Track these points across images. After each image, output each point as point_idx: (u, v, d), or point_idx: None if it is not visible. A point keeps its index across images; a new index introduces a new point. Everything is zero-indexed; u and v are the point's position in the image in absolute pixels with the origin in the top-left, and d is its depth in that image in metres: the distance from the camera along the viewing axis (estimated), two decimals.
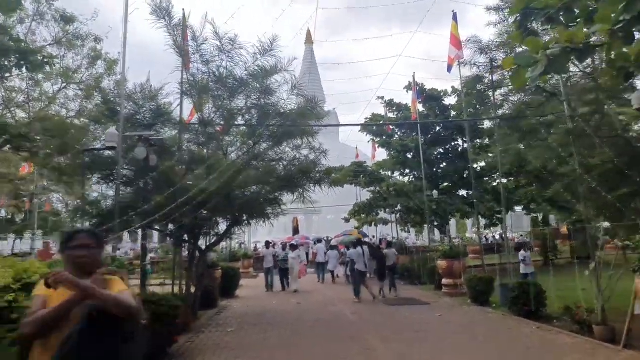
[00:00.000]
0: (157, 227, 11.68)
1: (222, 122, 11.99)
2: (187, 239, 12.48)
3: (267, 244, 20.88)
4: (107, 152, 10.34)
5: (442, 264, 15.95)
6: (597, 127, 8.58)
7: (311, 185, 12.10)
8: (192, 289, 12.60)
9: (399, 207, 25.03)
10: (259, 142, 12.24)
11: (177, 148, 11.95)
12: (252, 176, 11.37)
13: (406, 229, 31.14)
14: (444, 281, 16.05)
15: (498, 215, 25.22)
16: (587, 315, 8.17)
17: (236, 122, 11.95)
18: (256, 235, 41.78)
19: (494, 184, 24.17)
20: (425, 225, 29.37)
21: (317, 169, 11.96)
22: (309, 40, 67.77)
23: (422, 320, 10.91)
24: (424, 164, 21.88)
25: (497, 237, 43.51)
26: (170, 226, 11.96)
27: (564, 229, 32.87)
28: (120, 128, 9.14)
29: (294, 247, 19.69)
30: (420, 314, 11.97)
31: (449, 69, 15.01)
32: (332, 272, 22.08)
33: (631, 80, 6.80)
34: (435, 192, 22.09)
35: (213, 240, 13.62)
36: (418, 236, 41.80)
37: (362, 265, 15.32)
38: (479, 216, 25.54)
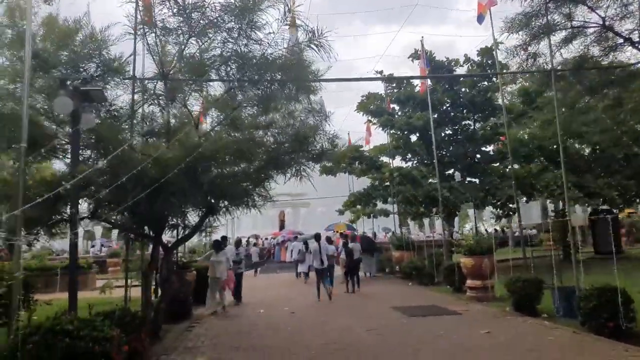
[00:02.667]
0: (103, 218, 8.52)
1: (190, 77, 8.85)
2: (146, 232, 9.38)
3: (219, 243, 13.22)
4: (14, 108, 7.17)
5: (467, 261, 13.06)
6: None
7: (310, 161, 9.05)
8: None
9: (400, 196, 22.16)
10: (240, 104, 9.15)
11: (129, 109, 8.80)
12: (233, 148, 8.26)
13: (406, 221, 28.32)
14: (470, 283, 13.18)
15: (511, 205, 22.54)
16: None
17: (209, 76, 8.80)
18: (240, 230, 38.64)
19: (509, 168, 21.33)
20: (430, 217, 26.68)
21: (318, 138, 8.89)
22: (292, 25, 63.93)
23: (468, 343, 7.94)
24: (432, 146, 19.02)
25: (498, 230, 41.04)
26: (121, 216, 8.85)
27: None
28: (26, 58, 5.97)
29: (217, 246, 13.00)
30: (458, 330, 9.01)
31: (480, 19, 12.09)
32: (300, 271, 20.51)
33: None
34: (457, 173, 19.13)
35: (184, 234, 10.49)
36: (409, 229, 38.84)
37: (319, 262, 14.12)
38: (490, 207, 22.88)
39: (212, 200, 8.97)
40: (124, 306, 8.11)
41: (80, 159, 7.92)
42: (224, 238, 14.55)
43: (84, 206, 8.47)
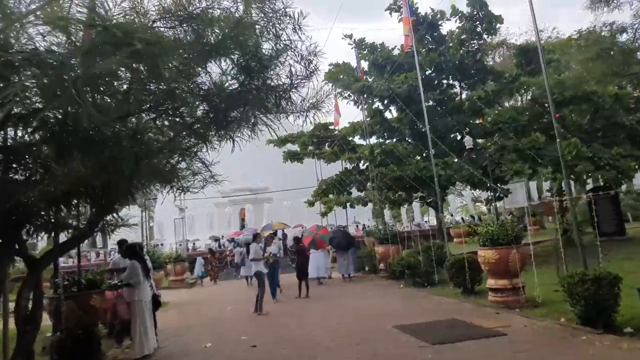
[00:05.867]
0: None
1: None
2: None
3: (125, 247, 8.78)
4: None
5: (488, 255, 9.65)
6: None
7: (273, 96, 5.28)
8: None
9: (378, 179, 18.73)
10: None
11: None
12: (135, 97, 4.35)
13: (382, 210, 24.95)
14: (493, 283, 9.80)
15: (503, 187, 19.52)
16: None
17: None
18: (193, 232, 34.19)
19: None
20: (410, 203, 23.48)
21: (284, 60, 5.12)
22: None
23: None
24: (416, 119, 15.71)
25: (475, 217, 38.41)
26: None
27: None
28: None
29: (126, 251, 8.67)
30: None
31: None
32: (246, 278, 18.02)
33: None
34: (468, 138, 15.69)
35: (70, 239, 6.53)
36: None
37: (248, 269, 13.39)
38: (485, 188, 19.84)
39: (103, 185, 5.02)
40: None
41: None
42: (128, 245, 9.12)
43: None
